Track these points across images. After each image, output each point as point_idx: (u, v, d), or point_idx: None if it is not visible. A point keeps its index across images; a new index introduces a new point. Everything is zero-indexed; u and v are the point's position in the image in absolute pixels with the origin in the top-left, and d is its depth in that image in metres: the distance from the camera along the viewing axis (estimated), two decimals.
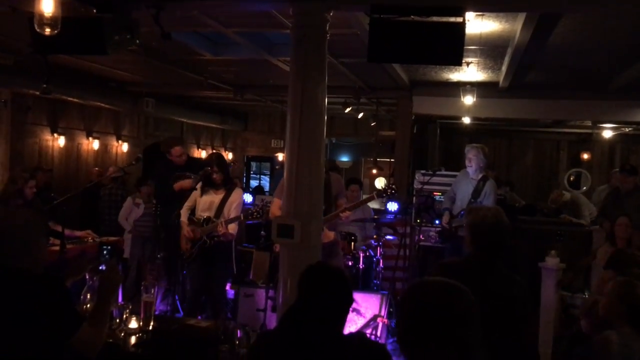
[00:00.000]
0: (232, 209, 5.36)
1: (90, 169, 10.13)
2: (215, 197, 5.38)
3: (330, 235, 5.14)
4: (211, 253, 5.35)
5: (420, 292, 1.80)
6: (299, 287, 2.37)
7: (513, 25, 5.39)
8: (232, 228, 5.36)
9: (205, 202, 5.36)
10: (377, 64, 6.43)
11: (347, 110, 9.77)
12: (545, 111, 9.09)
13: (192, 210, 5.48)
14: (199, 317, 5.15)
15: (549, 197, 9.35)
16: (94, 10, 3.12)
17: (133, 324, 3.25)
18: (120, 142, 11.11)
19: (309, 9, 3.86)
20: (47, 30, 2.77)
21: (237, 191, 5.48)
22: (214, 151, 6.09)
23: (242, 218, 5.48)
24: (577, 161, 12.87)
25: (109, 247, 3.12)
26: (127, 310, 3.30)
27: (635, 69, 6.92)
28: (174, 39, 4.66)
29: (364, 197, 6.09)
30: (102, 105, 9.92)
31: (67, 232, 5.47)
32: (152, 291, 3.33)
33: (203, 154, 13.96)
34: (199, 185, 5.41)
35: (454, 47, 3.68)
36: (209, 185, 5.37)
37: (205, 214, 5.36)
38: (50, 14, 2.72)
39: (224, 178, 5.38)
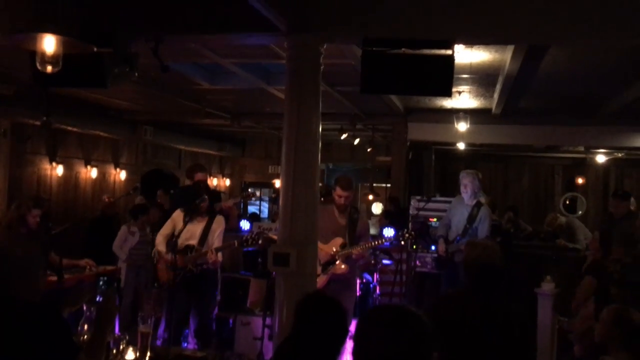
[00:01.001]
0: (215, 237, 5.39)
1: (88, 198, 10.18)
2: (197, 226, 5.33)
3: (342, 268, 5.17)
4: (198, 282, 5.32)
5: (372, 315, 1.90)
6: (295, 316, 2.40)
7: (503, 55, 5.52)
8: (220, 256, 5.42)
9: (188, 230, 5.28)
10: None
11: (344, 136, 9.90)
12: (538, 137, 9.22)
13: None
14: (184, 346, 5.14)
15: (545, 221, 9.41)
16: (95, 48, 3.22)
17: (130, 354, 3.25)
18: (118, 170, 11.17)
19: (303, 43, 3.97)
20: (49, 68, 2.85)
21: (218, 219, 5.49)
22: (200, 178, 6.08)
23: (236, 245, 5.51)
24: (571, 185, 12.97)
25: (106, 278, 3.15)
26: (124, 341, 3.31)
27: (625, 96, 7.05)
28: (172, 69, 4.77)
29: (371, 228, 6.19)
30: (101, 133, 10.03)
31: (66, 261, 5.50)
32: (149, 322, 3.35)
33: None
34: (180, 214, 5.39)
35: (443, 79, 3.78)
36: (193, 214, 5.32)
37: (189, 242, 5.31)
38: (52, 53, 2.81)
39: (208, 206, 5.42)
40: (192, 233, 5.29)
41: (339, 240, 5.20)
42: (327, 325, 2.32)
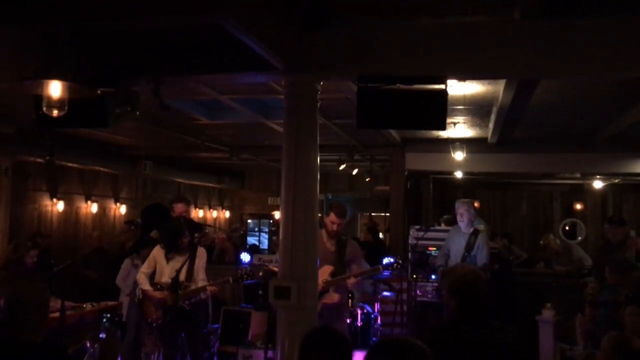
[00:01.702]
0: (200, 271, 5.42)
1: (89, 233, 10.21)
2: (179, 261, 5.26)
3: (334, 297, 5.15)
4: (190, 317, 5.31)
5: (376, 349, 1.99)
6: (301, 350, 2.41)
7: (495, 87, 5.64)
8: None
9: (171, 267, 5.26)
10: None
11: (342, 167, 9.98)
12: (535, 165, 9.31)
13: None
14: None
15: (539, 244, 9.39)
16: (98, 91, 3.32)
17: None
18: (118, 204, 11.24)
19: (300, 81, 4.09)
20: (55, 112, 2.95)
21: (200, 252, 5.51)
22: (180, 210, 6.10)
23: (230, 282, 5.54)
24: (570, 211, 13.02)
25: (109, 315, 3.18)
26: None
27: (618, 123, 7.17)
28: (172, 106, 4.87)
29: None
30: (101, 169, 10.12)
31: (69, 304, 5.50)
32: (152, 358, 3.38)
33: (200, 214, 14.08)
34: (160, 251, 5.40)
35: (437, 113, 3.89)
36: (175, 250, 5.35)
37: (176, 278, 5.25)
38: (58, 97, 2.90)
39: (190, 241, 5.46)
40: (174, 269, 5.16)
41: (328, 269, 5.14)
42: (333, 359, 2.34)
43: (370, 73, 3.93)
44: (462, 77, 4.61)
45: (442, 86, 3.88)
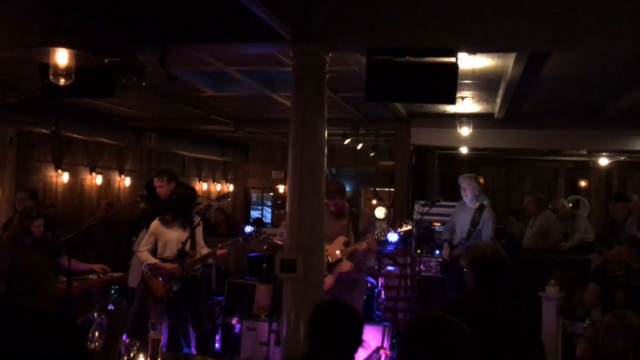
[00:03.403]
0: (201, 240, 5.42)
1: (94, 204, 10.25)
2: (179, 232, 5.27)
3: (347, 265, 5.20)
4: (196, 286, 5.33)
5: (418, 326, 1.93)
6: (310, 323, 2.40)
7: (505, 61, 5.56)
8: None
9: (173, 239, 5.26)
10: None
11: (347, 141, 9.93)
12: (540, 141, 9.24)
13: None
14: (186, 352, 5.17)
15: (549, 206, 9.31)
16: (106, 60, 3.28)
17: None
18: (123, 176, 11.24)
19: (309, 52, 4.03)
20: (62, 81, 2.91)
21: (199, 221, 5.45)
22: (157, 184, 5.97)
23: (240, 241, 5.53)
24: (574, 188, 12.99)
25: (117, 287, 3.20)
26: (135, 348, 3.35)
27: (627, 99, 7.09)
28: (177, 76, 4.82)
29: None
30: (106, 140, 10.09)
31: (80, 265, 5.52)
32: (159, 328, 3.39)
33: (204, 187, 14.09)
34: (158, 224, 5.35)
35: (447, 87, 3.84)
36: (179, 221, 5.32)
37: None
38: (65, 66, 2.86)
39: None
40: (178, 240, 5.16)
41: (341, 239, 5.23)
42: (344, 333, 2.33)
43: (379, 45, 3.87)
44: (474, 49, 4.54)
45: (453, 59, 3.83)
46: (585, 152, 11.20)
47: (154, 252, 5.38)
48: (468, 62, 5.42)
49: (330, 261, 5.15)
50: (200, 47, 4.53)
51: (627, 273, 4.61)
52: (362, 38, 3.97)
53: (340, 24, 4.00)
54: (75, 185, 10.11)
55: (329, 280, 5.02)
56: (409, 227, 5.65)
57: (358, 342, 2.40)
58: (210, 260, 5.47)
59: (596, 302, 4.68)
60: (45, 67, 3.38)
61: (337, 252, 5.19)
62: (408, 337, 1.93)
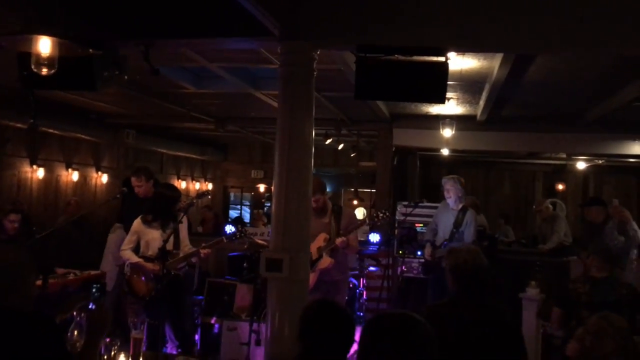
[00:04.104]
0: (185, 239, 5.36)
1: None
2: (162, 231, 5.21)
3: (327, 261, 5.19)
4: (179, 285, 5.26)
5: (376, 324, 1.92)
6: (301, 324, 2.35)
7: (491, 63, 5.58)
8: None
9: (156, 238, 5.18)
10: None
11: (328, 141, 9.90)
12: (521, 144, 9.34)
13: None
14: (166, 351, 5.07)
15: (533, 207, 9.44)
16: (90, 50, 3.17)
17: None
18: (100, 173, 11.03)
19: (298, 49, 3.96)
20: (45, 71, 2.80)
21: (184, 219, 5.34)
22: (134, 184, 5.86)
23: (224, 240, 5.45)
24: (552, 191, 13.16)
25: (99, 286, 3.10)
26: (115, 348, 3.26)
27: (606, 104, 7.19)
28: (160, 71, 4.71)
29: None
30: (82, 136, 9.88)
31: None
32: (141, 327, 3.30)
33: (183, 185, 13.91)
34: (141, 225, 5.26)
35: (437, 86, 3.81)
36: (163, 220, 5.24)
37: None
38: (48, 55, 2.76)
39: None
40: (160, 240, 5.07)
41: (322, 236, 5.24)
42: (336, 334, 2.29)
43: (369, 43, 3.83)
44: (463, 49, 4.53)
45: (443, 58, 3.80)
46: (564, 155, 11.35)
47: (136, 250, 5.28)
48: (456, 62, 5.42)
49: (312, 258, 5.10)
50: (186, 42, 4.43)
51: (589, 289, 4.43)
52: (352, 35, 3.92)
53: (330, 20, 3.94)
54: (51, 181, 9.88)
55: (311, 278, 4.98)
56: (387, 214, 5.72)
57: (350, 342, 2.36)
58: (194, 260, 5.37)
59: (561, 325, 4.58)
60: (24, 57, 3.26)
61: (314, 248, 5.14)
62: (367, 333, 1.92)
